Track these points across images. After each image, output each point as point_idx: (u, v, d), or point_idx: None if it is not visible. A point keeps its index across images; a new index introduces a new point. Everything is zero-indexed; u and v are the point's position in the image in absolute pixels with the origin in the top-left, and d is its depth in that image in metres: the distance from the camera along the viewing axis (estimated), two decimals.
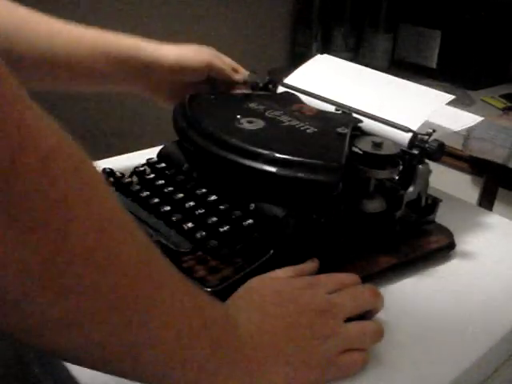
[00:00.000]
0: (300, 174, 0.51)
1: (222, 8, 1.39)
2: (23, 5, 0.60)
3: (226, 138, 0.55)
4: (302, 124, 0.60)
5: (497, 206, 0.65)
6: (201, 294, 0.37)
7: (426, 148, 0.59)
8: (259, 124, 0.59)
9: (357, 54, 1.52)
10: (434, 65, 1.43)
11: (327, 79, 0.71)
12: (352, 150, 0.58)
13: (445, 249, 0.61)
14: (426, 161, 0.60)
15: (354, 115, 0.64)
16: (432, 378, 0.47)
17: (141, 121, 1.28)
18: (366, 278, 0.57)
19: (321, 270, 0.54)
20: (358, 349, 0.46)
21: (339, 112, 0.66)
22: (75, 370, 0.46)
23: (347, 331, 0.45)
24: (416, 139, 0.60)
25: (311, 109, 0.66)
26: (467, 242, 0.63)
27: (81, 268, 0.27)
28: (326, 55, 0.75)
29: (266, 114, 0.62)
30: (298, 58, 1.55)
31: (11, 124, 0.25)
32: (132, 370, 0.33)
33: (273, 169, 0.51)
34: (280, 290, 0.46)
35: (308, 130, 0.59)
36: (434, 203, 0.62)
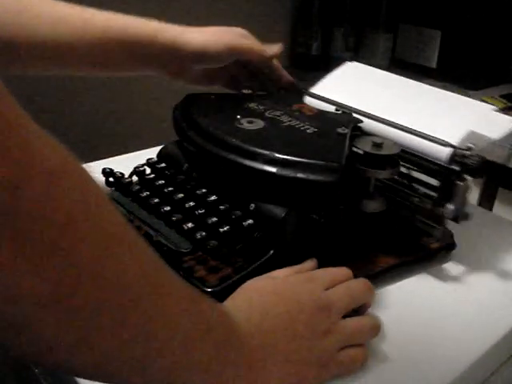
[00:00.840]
0: (300, 174, 0.51)
1: (222, 8, 1.39)
2: None
3: (226, 138, 0.55)
4: (302, 124, 0.60)
5: (497, 206, 0.65)
6: (203, 298, 0.38)
7: (467, 164, 0.56)
8: (259, 124, 0.59)
9: (357, 54, 1.52)
10: (434, 65, 1.43)
11: (358, 89, 0.68)
12: (352, 149, 0.58)
13: (445, 249, 0.61)
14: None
15: (383, 125, 0.62)
16: (432, 378, 0.47)
17: (141, 120, 1.27)
18: (366, 278, 0.57)
19: None
20: (356, 345, 0.46)
21: (339, 112, 0.66)
22: None
23: (345, 327, 0.45)
24: (456, 154, 0.57)
25: (311, 109, 0.66)
26: (467, 242, 0.63)
27: (89, 287, 0.27)
28: (355, 63, 0.72)
29: (266, 113, 0.62)
30: (298, 58, 1.55)
31: (15, 148, 0.24)
32: (141, 380, 0.33)
33: (273, 169, 0.51)
34: (278, 288, 0.46)
35: (308, 130, 0.59)
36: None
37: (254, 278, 0.47)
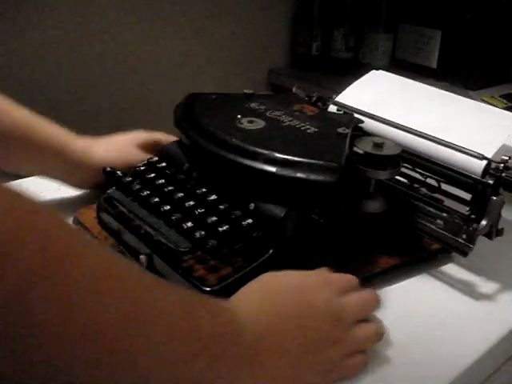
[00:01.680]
0: (300, 174, 0.51)
1: (222, 8, 1.39)
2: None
3: (227, 137, 0.55)
4: (302, 124, 0.60)
5: None
6: (201, 310, 0.37)
7: (503, 177, 0.54)
8: (260, 124, 0.59)
9: (357, 54, 1.52)
10: (434, 65, 1.43)
11: (385, 98, 0.66)
12: (353, 150, 0.58)
13: (445, 249, 0.61)
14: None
15: (413, 136, 0.60)
16: (432, 377, 0.47)
17: (141, 120, 1.27)
18: (366, 278, 0.57)
19: None
20: (359, 351, 0.46)
21: (340, 112, 0.66)
22: None
23: (354, 337, 0.45)
24: (490, 167, 0.55)
25: (312, 109, 0.66)
26: None
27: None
28: (381, 71, 0.71)
29: (267, 113, 0.62)
30: (298, 58, 1.55)
31: None
32: None
33: (273, 168, 0.51)
34: (293, 288, 0.45)
35: (308, 130, 0.59)
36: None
37: (272, 273, 0.47)
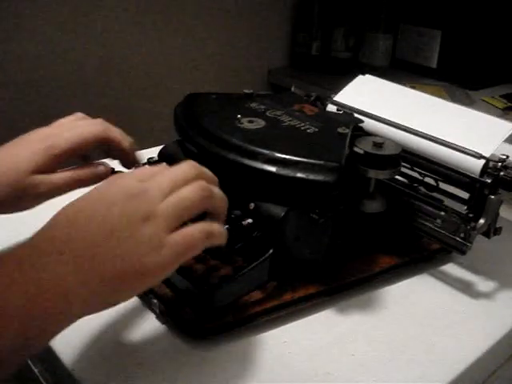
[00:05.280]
0: (300, 174, 0.51)
1: (222, 8, 1.39)
2: None
3: (227, 137, 0.55)
4: (302, 124, 0.60)
5: None
6: None
7: (501, 177, 0.55)
8: (260, 123, 0.59)
9: (357, 53, 1.52)
10: (434, 65, 1.43)
11: (380, 100, 0.67)
12: (353, 149, 0.58)
13: (445, 249, 0.61)
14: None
15: (411, 135, 0.60)
16: (432, 377, 0.47)
17: (141, 120, 1.27)
18: (366, 278, 0.57)
19: (320, 270, 0.54)
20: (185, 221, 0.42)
21: (340, 112, 0.66)
22: (75, 368, 0.46)
23: (168, 206, 0.41)
24: (489, 166, 0.55)
25: (312, 109, 0.66)
26: None
27: None
28: (368, 76, 0.71)
29: (267, 113, 0.62)
30: (297, 58, 1.55)
31: None
32: None
33: (272, 168, 0.51)
34: (87, 198, 0.41)
35: (308, 130, 0.59)
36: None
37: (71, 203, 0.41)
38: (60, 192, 0.53)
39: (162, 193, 0.41)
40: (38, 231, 0.39)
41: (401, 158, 0.59)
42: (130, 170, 0.43)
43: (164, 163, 0.45)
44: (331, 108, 0.69)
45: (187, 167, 0.44)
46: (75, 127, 0.54)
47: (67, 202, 0.41)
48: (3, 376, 0.36)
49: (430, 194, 0.61)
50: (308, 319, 0.53)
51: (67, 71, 1.19)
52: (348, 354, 0.49)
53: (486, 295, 0.58)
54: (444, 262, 0.62)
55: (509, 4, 1.31)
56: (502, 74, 1.40)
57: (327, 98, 0.70)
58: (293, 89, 0.73)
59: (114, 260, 0.38)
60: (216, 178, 0.45)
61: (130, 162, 0.57)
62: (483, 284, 0.59)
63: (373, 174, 0.56)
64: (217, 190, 0.45)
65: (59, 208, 0.40)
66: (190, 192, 0.42)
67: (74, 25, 1.17)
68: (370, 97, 0.68)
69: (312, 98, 0.71)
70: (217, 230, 0.43)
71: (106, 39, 1.22)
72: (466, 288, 0.58)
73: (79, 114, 0.57)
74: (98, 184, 0.43)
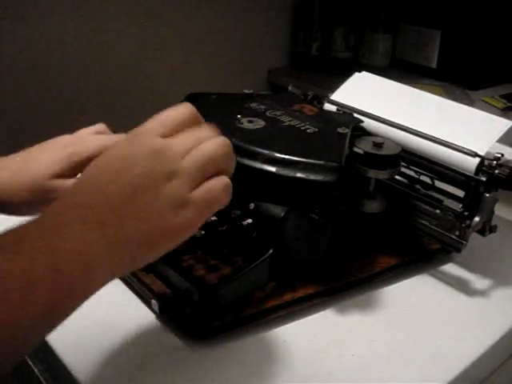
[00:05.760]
0: (299, 174, 0.51)
1: (222, 8, 1.39)
2: None
3: (227, 137, 0.55)
4: (302, 124, 0.60)
5: (497, 205, 0.65)
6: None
7: (496, 175, 0.55)
8: (260, 123, 0.59)
9: (357, 54, 1.52)
10: (434, 65, 1.43)
11: (376, 98, 0.67)
12: (353, 149, 0.58)
13: (445, 249, 0.61)
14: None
15: (406, 134, 0.60)
16: (432, 377, 0.47)
17: (141, 120, 1.27)
18: (366, 278, 0.57)
19: (320, 270, 0.54)
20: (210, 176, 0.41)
21: (340, 112, 0.66)
22: (75, 368, 0.46)
23: (189, 162, 0.40)
24: (483, 164, 0.56)
25: (312, 109, 0.66)
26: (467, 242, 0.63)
27: None
28: (364, 73, 0.71)
29: (267, 113, 0.62)
30: (297, 58, 1.55)
31: None
32: None
33: (272, 168, 0.51)
34: (105, 159, 0.40)
35: (308, 130, 0.59)
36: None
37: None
38: None
39: (184, 149, 0.40)
40: (60, 197, 0.38)
41: (400, 158, 0.59)
42: (148, 122, 0.42)
43: (188, 103, 0.44)
44: (328, 107, 0.69)
45: (207, 126, 0.43)
46: (98, 137, 0.55)
47: None
48: (22, 354, 0.35)
49: (430, 193, 0.61)
50: (308, 319, 0.53)
51: (65, 73, 1.19)
52: (348, 354, 0.49)
53: (485, 295, 0.58)
54: (444, 262, 0.62)
55: (509, 4, 1.31)
56: (502, 73, 1.40)
57: (324, 97, 0.70)
58: (290, 88, 0.73)
59: (139, 224, 0.37)
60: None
61: None
62: (483, 284, 0.59)
63: (373, 174, 0.56)
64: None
65: None
66: (213, 148, 0.41)
67: (73, 25, 1.17)
68: (366, 95, 0.68)
69: (309, 97, 0.71)
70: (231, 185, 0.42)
71: (105, 39, 1.22)
72: (465, 288, 0.58)
73: (102, 125, 0.57)
74: (119, 141, 0.41)
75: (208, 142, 0.41)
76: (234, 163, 0.43)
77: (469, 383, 0.50)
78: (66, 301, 0.36)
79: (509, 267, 0.62)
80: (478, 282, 0.59)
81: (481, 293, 0.58)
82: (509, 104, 1.29)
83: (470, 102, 1.28)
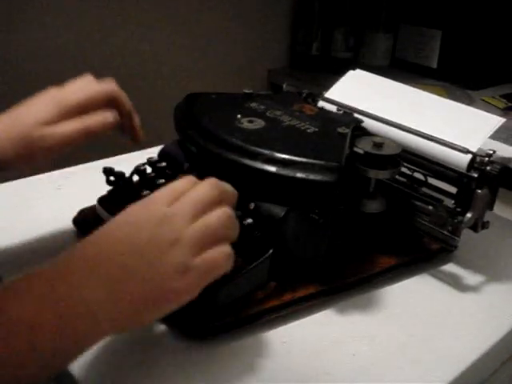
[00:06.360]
0: (299, 174, 0.51)
1: (221, 8, 1.39)
2: None
3: (227, 137, 0.55)
4: (302, 124, 0.60)
5: (497, 205, 0.65)
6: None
7: (487, 171, 0.55)
8: (260, 123, 0.59)
9: (357, 53, 1.52)
10: (434, 65, 1.43)
11: (370, 95, 0.67)
12: (353, 149, 0.58)
13: (445, 249, 0.61)
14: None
15: (399, 131, 0.61)
16: (432, 377, 0.47)
17: (142, 120, 1.27)
18: (366, 278, 0.57)
19: (320, 270, 0.54)
20: (212, 243, 0.43)
21: (340, 112, 0.66)
22: (75, 368, 0.46)
23: (194, 230, 0.42)
24: (475, 161, 0.56)
25: (312, 108, 0.66)
26: (467, 242, 0.63)
27: None
28: (358, 71, 0.72)
29: (267, 113, 0.62)
30: (297, 58, 1.55)
31: None
32: None
33: (273, 168, 0.51)
34: (114, 226, 0.42)
35: (308, 130, 0.59)
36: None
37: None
38: (69, 144, 0.52)
39: (188, 218, 0.42)
40: (68, 251, 0.40)
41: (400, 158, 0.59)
42: (156, 192, 0.44)
43: (191, 176, 0.46)
44: (322, 104, 0.69)
45: (209, 188, 0.44)
46: (85, 85, 0.55)
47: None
48: None
49: (430, 193, 0.61)
50: (308, 319, 0.53)
51: (67, 70, 1.18)
52: (348, 354, 0.49)
53: (486, 295, 0.58)
54: (444, 262, 0.62)
55: (509, 4, 1.31)
56: (502, 73, 1.40)
57: (318, 95, 0.70)
58: (284, 86, 0.74)
59: (143, 282, 0.40)
60: (235, 192, 0.46)
61: (138, 137, 0.59)
62: (483, 284, 0.59)
63: (373, 174, 0.56)
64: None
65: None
66: (215, 220, 0.43)
67: (75, 24, 1.17)
68: (360, 92, 0.68)
69: (303, 95, 0.71)
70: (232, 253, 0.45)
71: (105, 39, 1.22)
72: (465, 288, 0.58)
73: (89, 76, 0.56)
74: (129, 207, 0.43)
75: (213, 213, 0.43)
76: (237, 232, 0.45)
77: (469, 383, 0.50)
78: (67, 349, 0.38)
79: (509, 267, 0.62)
80: (479, 282, 0.59)
81: (481, 293, 0.58)
82: (509, 104, 1.29)
83: (470, 102, 1.28)
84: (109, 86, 0.56)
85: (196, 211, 0.43)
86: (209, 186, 0.44)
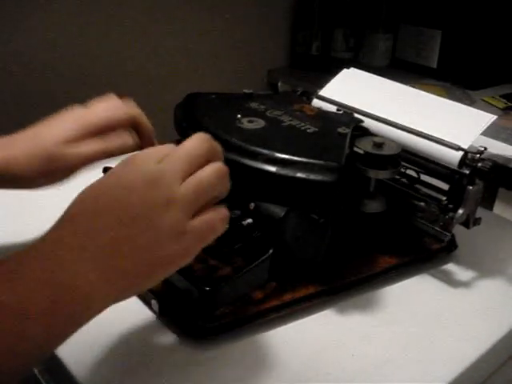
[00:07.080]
0: (299, 174, 0.51)
1: (222, 8, 1.39)
2: None
3: (227, 137, 0.55)
4: (302, 124, 0.60)
5: (497, 205, 0.65)
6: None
7: (479, 168, 0.56)
8: (260, 123, 0.59)
9: (357, 53, 1.52)
10: (434, 65, 1.43)
11: (364, 93, 0.68)
12: (353, 149, 0.58)
13: (445, 250, 0.61)
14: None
15: (391, 128, 0.61)
16: (432, 377, 0.47)
17: None
18: (366, 278, 0.57)
19: (320, 270, 0.54)
20: (210, 207, 0.41)
21: (340, 112, 0.66)
22: (75, 368, 0.46)
23: (187, 189, 0.40)
24: (467, 158, 0.57)
25: (312, 108, 0.66)
26: (467, 242, 0.63)
27: None
28: (353, 69, 0.72)
29: (267, 113, 0.62)
30: (297, 58, 1.55)
31: None
32: None
33: (273, 168, 0.51)
34: (104, 187, 0.41)
35: (309, 130, 0.59)
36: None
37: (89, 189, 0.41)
38: (89, 162, 0.53)
39: (179, 175, 0.40)
40: (58, 222, 0.39)
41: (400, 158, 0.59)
42: (143, 150, 0.42)
43: (171, 144, 0.43)
44: (316, 102, 0.69)
45: (199, 142, 0.42)
46: (108, 106, 0.55)
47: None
48: (19, 376, 0.36)
49: (429, 193, 0.61)
50: (308, 319, 0.53)
51: (66, 70, 1.19)
52: (348, 354, 0.49)
53: (486, 295, 0.58)
54: (444, 262, 0.62)
55: (509, 4, 1.31)
56: (502, 73, 1.40)
57: (313, 93, 0.70)
58: (279, 84, 0.74)
59: (136, 252, 0.38)
60: (221, 150, 0.44)
61: None
62: (483, 284, 0.59)
63: (373, 174, 0.56)
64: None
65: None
66: (208, 175, 0.41)
67: (74, 24, 1.17)
68: (354, 90, 0.69)
69: (298, 93, 0.71)
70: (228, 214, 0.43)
71: (105, 39, 1.22)
72: (466, 288, 0.58)
73: (113, 97, 0.57)
74: (115, 167, 0.42)
75: (205, 169, 0.42)
76: (229, 188, 0.43)
77: (469, 383, 0.50)
78: (63, 328, 0.37)
79: (509, 267, 0.62)
80: (479, 282, 0.59)
81: (481, 293, 0.58)
82: (509, 104, 1.29)
83: (470, 102, 1.28)
84: (132, 110, 0.56)
85: (187, 167, 0.41)
86: (198, 140, 0.42)
